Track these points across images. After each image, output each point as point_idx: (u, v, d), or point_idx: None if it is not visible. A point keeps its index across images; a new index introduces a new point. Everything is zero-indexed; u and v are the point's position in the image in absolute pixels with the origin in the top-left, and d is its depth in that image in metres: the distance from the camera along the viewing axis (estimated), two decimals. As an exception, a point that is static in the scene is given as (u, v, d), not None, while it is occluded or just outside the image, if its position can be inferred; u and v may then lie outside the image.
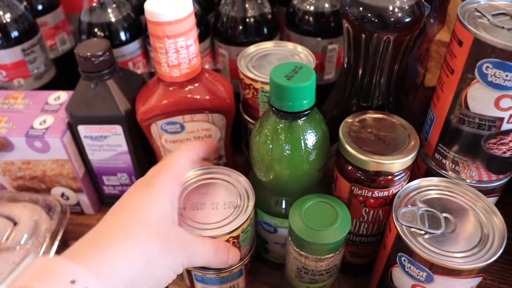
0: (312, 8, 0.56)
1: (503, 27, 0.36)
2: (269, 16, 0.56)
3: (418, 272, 0.38)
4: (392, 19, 0.39)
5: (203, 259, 0.39)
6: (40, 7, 0.70)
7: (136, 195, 0.38)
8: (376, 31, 0.40)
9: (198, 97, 0.47)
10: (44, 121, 0.54)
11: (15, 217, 0.54)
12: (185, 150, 0.42)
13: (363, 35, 0.41)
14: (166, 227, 0.37)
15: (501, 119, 0.37)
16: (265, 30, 0.56)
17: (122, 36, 0.59)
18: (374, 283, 0.46)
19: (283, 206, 0.45)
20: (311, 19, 0.56)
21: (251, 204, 0.42)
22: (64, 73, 0.72)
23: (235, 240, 0.42)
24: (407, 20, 0.39)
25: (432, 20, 0.52)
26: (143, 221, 0.35)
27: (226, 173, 0.46)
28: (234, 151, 0.56)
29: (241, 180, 0.45)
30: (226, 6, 0.55)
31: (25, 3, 0.69)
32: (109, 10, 0.58)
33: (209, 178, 0.46)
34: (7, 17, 0.61)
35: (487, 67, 0.35)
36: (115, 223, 0.35)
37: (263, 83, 0.47)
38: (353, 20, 0.40)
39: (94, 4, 0.58)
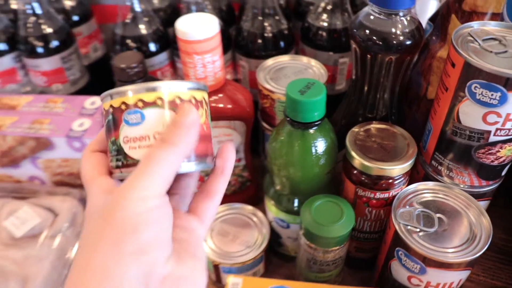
0: (325, 24, 0.61)
1: (491, 51, 0.41)
2: (286, 32, 0.62)
3: (413, 265, 0.43)
4: (394, 42, 0.44)
5: None
6: (75, 18, 0.76)
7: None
8: (380, 52, 0.45)
9: (221, 106, 0.52)
10: (82, 124, 0.61)
11: (55, 208, 0.60)
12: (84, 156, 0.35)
13: (369, 55, 0.46)
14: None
15: (489, 132, 0.42)
16: (282, 44, 0.62)
17: (152, 47, 0.65)
18: (376, 275, 0.51)
19: (295, 204, 0.51)
20: (324, 34, 0.61)
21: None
22: (96, 78, 0.78)
23: None
24: (408, 43, 0.45)
25: (434, 38, 0.57)
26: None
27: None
28: (252, 154, 0.62)
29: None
30: (247, 23, 0.61)
31: (62, 14, 0.75)
32: (140, 24, 0.64)
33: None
34: (49, 29, 0.67)
35: (476, 87, 0.40)
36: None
37: (279, 94, 0.52)
38: (360, 42, 0.46)
39: (127, 19, 0.64)
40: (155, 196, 0.30)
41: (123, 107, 0.32)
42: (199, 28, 0.47)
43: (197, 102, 0.34)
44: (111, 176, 0.34)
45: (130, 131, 0.32)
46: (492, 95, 0.39)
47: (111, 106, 0.33)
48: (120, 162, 0.33)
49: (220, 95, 0.52)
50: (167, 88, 0.32)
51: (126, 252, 0.28)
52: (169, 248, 0.31)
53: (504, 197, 0.60)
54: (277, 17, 0.61)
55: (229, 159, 0.36)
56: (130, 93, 0.32)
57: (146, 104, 0.32)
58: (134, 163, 0.32)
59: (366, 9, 0.46)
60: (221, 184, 0.36)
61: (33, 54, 0.68)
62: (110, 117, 0.33)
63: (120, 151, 0.33)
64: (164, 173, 0.30)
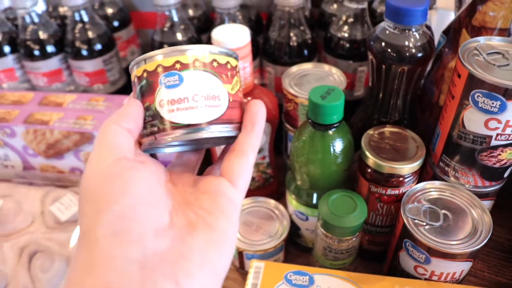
0: (346, 35, 0.66)
1: (494, 64, 0.46)
2: (309, 41, 0.67)
3: (419, 255, 0.48)
4: (407, 54, 0.50)
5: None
6: (116, 23, 0.83)
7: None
8: (394, 63, 0.50)
9: (249, 107, 0.58)
10: (122, 121, 0.67)
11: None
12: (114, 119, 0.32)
13: (384, 66, 0.51)
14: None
15: (490, 136, 0.46)
16: (306, 53, 0.67)
17: (187, 53, 0.71)
18: (386, 265, 0.56)
19: (314, 198, 0.56)
20: (344, 44, 0.66)
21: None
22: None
23: None
24: (419, 55, 0.50)
25: (447, 50, 0.61)
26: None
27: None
28: (276, 153, 0.67)
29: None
30: (274, 32, 0.67)
31: (105, 20, 0.82)
32: (177, 32, 0.70)
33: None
34: (93, 34, 0.74)
35: (478, 96, 0.45)
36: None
37: (302, 98, 0.58)
38: (376, 53, 0.51)
39: (165, 27, 0.70)
40: (116, 163, 0.29)
41: (159, 69, 0.31)
42: (232, 38, 0.52)
43: (232, 68, 0.33)
44: (141, 146, 0.33)
45: (167, 94, 0.31)
46: (492, 103, 0.44)
47: (145, 70, 0.32)
48: (156, 128, 0.32)
49: (249, 98, 0.58)
50: (204, 51, 0.32)
51: (101, 235, 0.27)
52: (157, 217, 0.29)
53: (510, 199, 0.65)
54: (301, 28, 0.67)
55: (259, 114, 0.34)
56: (167, 55, 0.31)
57: (184, 66, 0.31)
58: (171, 127, 0.31)
59: (383, 24, 0.51)
60: (252, 141, 0.33)
61: (78, 56, 0.75)
62: (144, 82, 0.32)
63: (155, 115, 0.32)
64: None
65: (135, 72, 0.33)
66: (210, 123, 0.32)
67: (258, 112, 0.34)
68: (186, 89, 0.31)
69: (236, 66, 0.34)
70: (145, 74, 0.32)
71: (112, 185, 0.28)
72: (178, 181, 0.34)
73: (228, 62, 0.33)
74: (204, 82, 0.31)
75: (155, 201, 0.30)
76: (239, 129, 0.34)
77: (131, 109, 0.32)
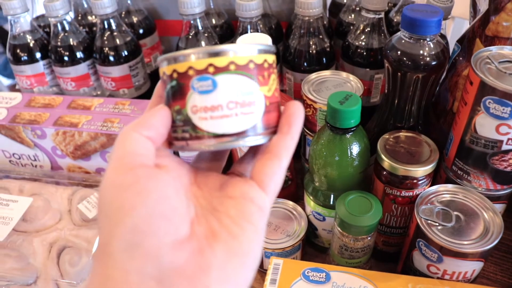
0: (363, 44, 0.69)
1: (505, 72, 0.48)
2: (328, 50, 0.70)
3: (431, 254, 0.50)
4: (421, 63, 0.52)
5: None
6: (141, 31, 0.86)
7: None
8: (409, 71, 0.53)
9: (270, 112, 0.61)
10: (147, 124, 0.70)
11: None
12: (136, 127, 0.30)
13: (399, 73, 0.54)
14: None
15: (501, 141, 0.49)
16: (324, 60, 0.70)
17: (210, 60, 0.75)
18: (400, 265, 0.58)
19: (331, 199, 0.58)
20: (362, 52, 0.69)
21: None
22: (155, 85, 0.88)
23: None
24: (433, 64, 0.52)
25: (461, 59, 0.64)
26: None
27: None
28: (294, 157, 0.70)
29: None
30: (294, 41, 0.70)
31: (131, 28, 0.85)
32: (201, 40, 0.74)
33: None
34: (120, 41, 0.78)
35: (489, 102, 0.47)
36: None
37: (321, 104, 0.60)
38: (392, 62, 0.53)
39: (189, 34, 0.73)
40: (142, 163, 0.28)
41: (190, 72, 0.29)
42: (255, 45, 0.55)
43: (270, 66, 0.31)
44: (171, 147, 0.32)
45: (200, 100, 0.29)
46: (503, 109, 0.46)
47: (174, 71, 0.30)
48: (188, 134, 0.30)
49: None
50: (240, 51, 0.29)
51: (117, 250, 0.26)
52: (174, 229, 0.27)
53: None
54: (320, 36, 0.69)
55: (297, 115, 0.31)
56: (199, 56, 0.29)
57: (218, 70, 0.29)
58: (204, 135, 0.30)
59: (399, 34, 0.54)
60: (287, 143, 0.31)
61: (105, 62, 0.78)
62: (174, 83, 0.30)
63: (187, 121, 0.30)
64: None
65: (165, 69, 0.30)
66: (245, 132, 0.30)
67: (296, 113, 0.31)
68: (220, 95, 0.29)
69: (273, 62, 0.32)
70: (175, 75, 0.29)
71: (125, 196, 0.27)
72: (204, 183, 0.33)
73: (265, 60, 0.30)
74: (239, 87, 0.29)
75: (173, 211, 0.28)
76: (275, 132, 0.32)
77: (154, 119, 0.30)
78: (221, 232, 0.28)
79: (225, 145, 0.30)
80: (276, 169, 0.30)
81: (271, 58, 0.31)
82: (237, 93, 0.29)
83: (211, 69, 0.29)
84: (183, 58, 0.29)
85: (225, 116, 0.29)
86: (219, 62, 0.29)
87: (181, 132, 0.30)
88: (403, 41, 0.53)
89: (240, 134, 0.30)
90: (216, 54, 0.29)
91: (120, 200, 0.27)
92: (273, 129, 0.32)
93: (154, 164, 0.29)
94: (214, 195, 0.31)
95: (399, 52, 0.53)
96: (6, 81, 2.24)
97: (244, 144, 0.31)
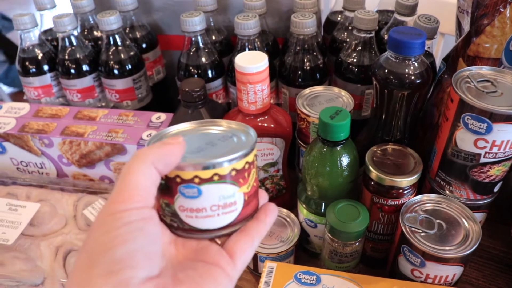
0: (355, 60, 0.73)
1: (483, 91, 0.52)
2: (321, 66, 0.74)
3: (415, 259, 0.54)
4: (407, 81, 0.56)
5: None
6: (144, 45, 0.90)
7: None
8: (395, 88, 0.57)
9: (266, 125, 0.64)
10: (150, 134, 0.74)
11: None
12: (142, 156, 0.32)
13: (386, 90, 0.58)
14: None
15: (479, 154, 0.52)
16: (317, 76, 0.74)
17: (210, 74, 0.79)
18: (387, 269, 0.62)
19: (323, 207, 0.62)
20: (353, 69, 0.73)
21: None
22: (157, 97, 0.92)
23: None
24: (418, 82, 0.56)
25: (446, 76, 0.68)
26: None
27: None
28: (288, 167, 0.74)
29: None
30: (289, 57, 0.74)
31: (134, 43, 0.89)
32: (202, 56, 0.78)
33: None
34: (124, 55, 0.82)
35: (468, 118, 0.51)
36: None
37: (314, 118, 0.64)
38: (380, 80, 0.58)
39: (191, 50, 0.77)
40: (132, 211, 0.30)
41: (178, 180, 0.33)
42: (253, 63, 0.59)
43: (250, 164, 0.35)
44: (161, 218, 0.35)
45: (186, 203, 0.34)
46: (480, 125, 0.50)
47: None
48: (176, 224, 0.35)
49: (266, 116, 0.64)
50: (224, 164, 0.33)
51: (95, 275, 0.28)
52: (149, 268, 0.30)
53: (505, 215, 0.70)
54: (314, 53, 0.73)
55: (273, 212, 0.38)
56: (187, 169, 0.32)
57: (203, 181, 0.33)
58: (191, 229, 0.35)
59: (386, 53, 0.58)
60: (261, 230, 0.37)
61: (110, 75, 0.82)
62: (163, 182, 0.33)
63: (175, 215, 0.34)
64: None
65: None
66: (226, 227, 0.35)
67: (273, 211, 0.38)
68: (204, 201, 0.33)
69: (253, 161, 0.36)
70: (164, 176, 0.33)
71: (122, 230, 0.29)
72: (182, 244, 0.36)
73: (246, 162, 0.34)
74: (221, 193, 0.34)
75: (155, 254, 0.31)
76: (252, 216, 0.37)
77: (170, 155, 0.32)
78: (187, 280, 0.31)
79: (209, 236, 0.35)
80: (247, 247, 0.35)
81: (251, 158, 0.35)
82: (219, 198, 0.34)
83: (196, 180, 0.33)
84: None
85: (208, 216, 0.34)
86: (204, 174, 0.33)
87: (169, 220, 0.35)
88: (389, 60, 0.57)
89: (223, 228, 0.35)
90: (203, 168, 0.32)
91: (116, 232, 0.29)
92: (251, 217, 0.37)
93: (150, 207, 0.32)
94: (188, 257, 0.35)
95: (386, 71, 0.57)
96: (7, 89, 2.28)
97: (226, 234, 0.36)
